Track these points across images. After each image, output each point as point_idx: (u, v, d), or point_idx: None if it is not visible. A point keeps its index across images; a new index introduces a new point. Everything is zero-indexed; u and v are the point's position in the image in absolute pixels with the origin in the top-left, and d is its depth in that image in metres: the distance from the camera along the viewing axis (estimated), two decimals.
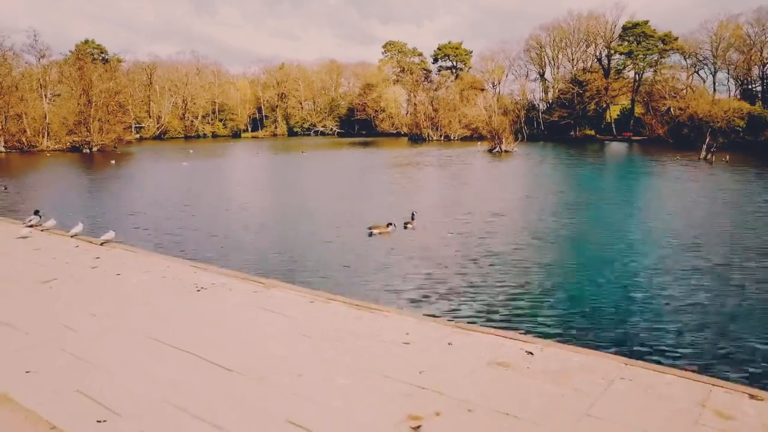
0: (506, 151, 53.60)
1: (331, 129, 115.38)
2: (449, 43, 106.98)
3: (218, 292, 8.01)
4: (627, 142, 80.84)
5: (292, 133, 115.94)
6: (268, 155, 58.22)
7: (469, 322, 7.79)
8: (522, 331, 7.44)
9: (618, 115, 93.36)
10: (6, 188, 25.22)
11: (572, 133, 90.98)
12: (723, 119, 71.51)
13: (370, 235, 15.06)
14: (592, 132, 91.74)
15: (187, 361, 5.60)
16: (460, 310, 9.11)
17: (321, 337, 6.23)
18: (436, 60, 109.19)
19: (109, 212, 20.05)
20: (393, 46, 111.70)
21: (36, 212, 13.12)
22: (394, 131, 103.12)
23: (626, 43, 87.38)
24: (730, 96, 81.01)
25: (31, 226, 12.55)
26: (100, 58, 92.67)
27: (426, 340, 6.20)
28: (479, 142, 62.58)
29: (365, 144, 77.43)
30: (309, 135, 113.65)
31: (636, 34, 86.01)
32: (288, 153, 60.27)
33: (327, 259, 12.67)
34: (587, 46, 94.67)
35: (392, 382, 5.16)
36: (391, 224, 15.36)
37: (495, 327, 7.11)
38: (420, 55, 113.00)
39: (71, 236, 12.12)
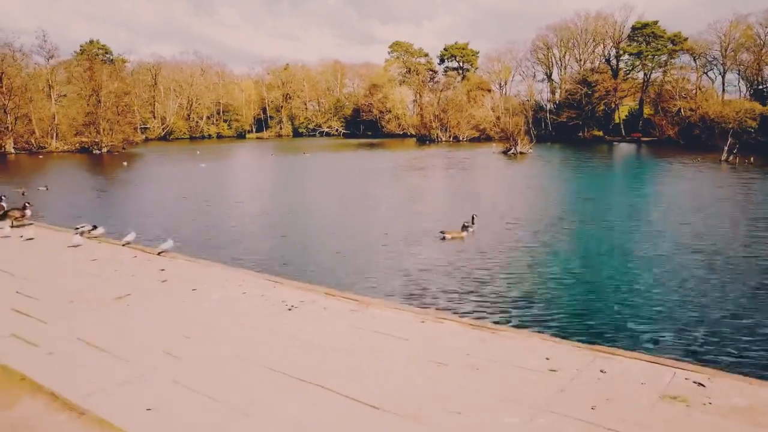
0: (521, 153, 53.01)
1: (337, 130, 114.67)
2: (456, 43, 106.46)
3: (311, 310, 7.39)
4: (636, 143, 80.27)
5: (297, 133, 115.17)
6: (283, 156, 57.28)
7: (579, 340, 7.16)
8: (672, 356, 6.79)
9: (626, 116, 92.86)
10: (47, 188, 24.75)
11: (580, 133, 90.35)
12: (735, 120, 70.98)
13: (443, 239, 14.48)
14: (601, 133, 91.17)
15: (324, 397, 4.97)
16: (564, 325, 8.49)
17: (456, 364, 5.61)
18: (442, 60, 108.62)
19: (149, 217, 19.32)
20: (399, 47, 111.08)
21: (93, 227, 12.38)
22: (401, 132, 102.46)
23: (635, 43, 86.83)
24: (740, 96, 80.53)
25: (81, 233, 11.89)
26: (105, 58, 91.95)
27: (571, 365, 5.59)
28: (494, 144, 61.97)
29: (374, 145, 76.76)
30: (314, 136, 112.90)
31: (645, 35, 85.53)
32: (302, 154, 59.54)
33: (407, 268, 11.98)
34: (595, 47, 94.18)
35: (566, 420, 4.54)
36: (465, 229, 14.75)
37: (644, 350, 6.47)
38: (426, 55, 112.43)
39: (123, 245, 11.48)
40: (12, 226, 13.17)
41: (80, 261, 10.22)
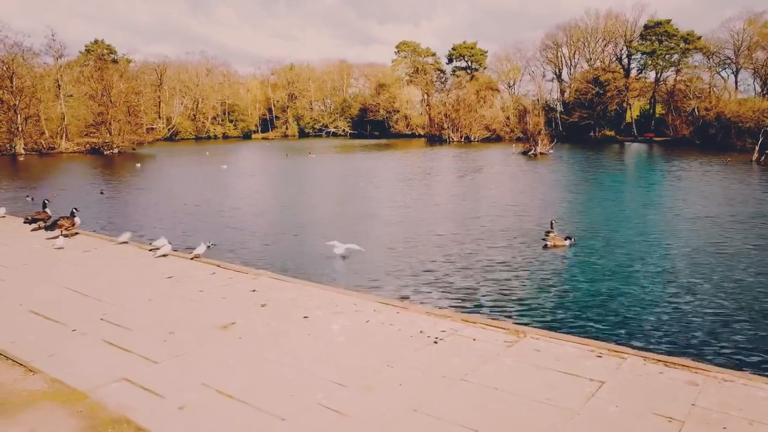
0: (542, 154, 51.94)
1: (343, 130, 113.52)
2: (464, 43, 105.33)
3: (461, 343, 6.31)
4: (649, 143, 79.26)
5: (303, 134, 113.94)
6: (297, 157, 55.87)
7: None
8: None
9: (638, 116, 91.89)
10: (102, 192, 23.16)
11: (591, 134, 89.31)
12: (752, 119, 70.02)
13: (545, 247, 13.43)
14: (612, 133, 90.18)
15: None
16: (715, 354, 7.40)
17: (692, 420, 4.52)
18: (450, 60, 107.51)
19: (191, 224, 18.07)
20: (406, 46, 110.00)
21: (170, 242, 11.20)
22: (409, 132, 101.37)
23: (648, 42, 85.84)
24: (754, 95, 79.61)
25: (158, 250, 10.74)
26: (110, 58, 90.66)
27: None
28: (513, 144, 60.87)
29: (386, 146, 75.51)
30: (320, 136, 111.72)
31: (658, 33, 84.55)
32: (317, 155, 58.35)
33: (524, 284, 10.81)
34: (605, 45, 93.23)
35: None
36: (569, 237, 13.68)
37: None
38: (433, 55, 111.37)
39: (192, 258, 10.38)
40: (63, 235, 12.06)
41: (155, 278, 9.12)
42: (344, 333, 6.66)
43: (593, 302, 9.64)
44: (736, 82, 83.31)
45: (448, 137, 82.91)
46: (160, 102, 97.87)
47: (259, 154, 61.91)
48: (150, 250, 11.24)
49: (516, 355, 5.95)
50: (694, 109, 78.08)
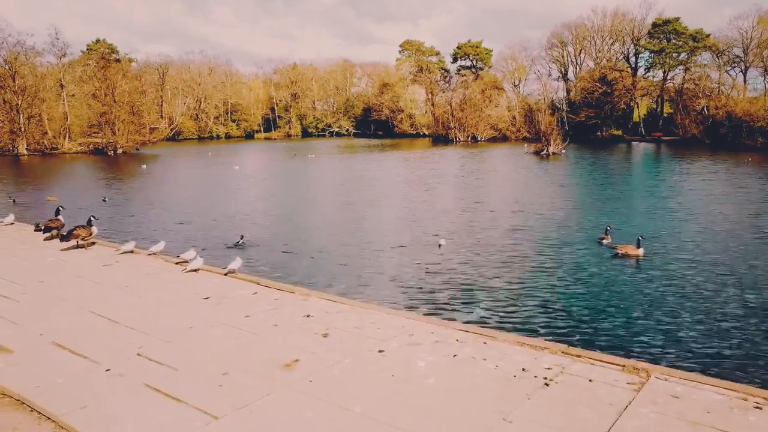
0: (554, 154, 50.88)
1: (347, 130, 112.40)
2: (469, 41, 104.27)
3: (575, 385, 5.24)
4: (657, 142, 78.17)
5: (306, 133, 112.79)
6: (304, 158, 54.60)
7: None
8: None
9: (645, 115, 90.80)
10: (105, 200, 21.71)
11: (598, 133, 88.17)
12: (764, 117, 69.00)
13: (615, 256, 12.34)
14: (620, 132, 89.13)
15: None
16: None
17: None
18: (455, 59, 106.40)
19: (212, 231, 16.95)
20: (411, 45, 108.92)
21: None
22: (414, 132, 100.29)
23: (656, 40, 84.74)
24: (765, 93, 78.56)
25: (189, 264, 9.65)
26: (112, 58, 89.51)
27: None
28: (525, 144, 59.78)
29: (393, 146, 74.39)
30: (324, 136, 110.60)
31: (666, 31, 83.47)
32: (324, 156, 57.23)
33: (605, 301, 9.67)
34: (612, 44, 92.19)
35: None
36: (639, 245, 12.57)
37: None
38: (437, 54, 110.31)
39: (226, 274, 9.30)
40: (78, 246, 10.97)
41: (191, 299, 8.03)
42: (433, 372, 5.58)
43: (696, 326, 8.48)
44: (744, 81, 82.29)
45: (455, 137, 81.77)
46: (162, 102, 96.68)
47: (265, 155, 60.75)
48: (177, 263, 10.16)
49: (652, 404, 4.88)
50: (703, 108, 77.03)
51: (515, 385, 5.27)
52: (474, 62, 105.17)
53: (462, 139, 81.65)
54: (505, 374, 5.51)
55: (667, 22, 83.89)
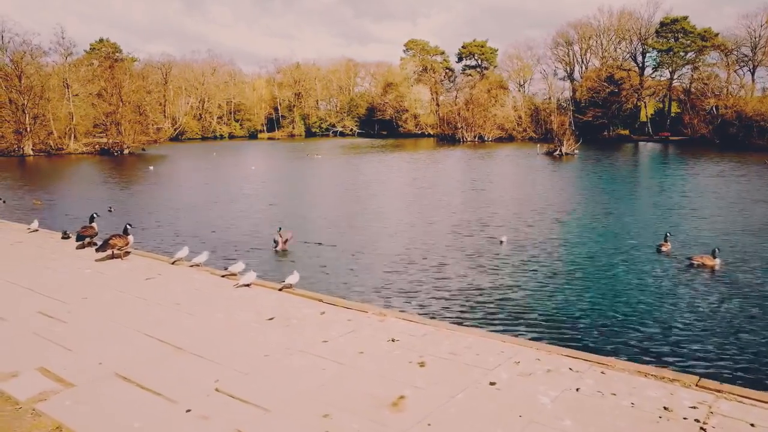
0: (567, 154, 50.21)
1: (351, 129, 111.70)
2: (474, 41, 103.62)
3: (734, 429, 4.52)
4: (664, 142, 77.50)
5: (310, 133, 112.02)
6: (322, 158, 53.45)
7: None
8: None
9: (652, 114, 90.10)
10: (111, 209, 20.75)
11: (605, 133, 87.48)
12: None
13: (691, 266, 11.65)
14: (627, 132, 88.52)
15: None
16: None
17: None
18: (461, 58, 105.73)
19: (248, 239, 16.32)
20: (415, 44, 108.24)
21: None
22: (419, 132, 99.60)
23: (664, 39, 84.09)
24: None
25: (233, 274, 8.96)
26: (115, 57, 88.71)
27: None
28: (537, 145, 59.11)
29: (399, 146, 73.64)
30: (327, 136, 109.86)
31: (674, 31, 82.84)
32: (329, 156, 56.42)
33: (697, 319, 8.94)
34: (619, 43, 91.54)
35: None
36: (714, 255, 11.84)
37: None
38: (442, 53, 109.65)
39: (281, 289, 8.59)
40: (113, 257, 10.25)
41: (254, 320, 7.30)
42: (562, 411, 4.87)
43: None
44: (752, 80, 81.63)
45: (462, 137, 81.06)
46: (165, 101, 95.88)
47: (273, 154, 59.95)
48: (224, 275, 9.44)
49: None
50: (712, 107, 76.35)
51: (667, 430, 4.56)
52: (479, 62, 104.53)
53: (469, 139, 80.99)
54: (647, 414, 4.81)
55: (675, 21, 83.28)
